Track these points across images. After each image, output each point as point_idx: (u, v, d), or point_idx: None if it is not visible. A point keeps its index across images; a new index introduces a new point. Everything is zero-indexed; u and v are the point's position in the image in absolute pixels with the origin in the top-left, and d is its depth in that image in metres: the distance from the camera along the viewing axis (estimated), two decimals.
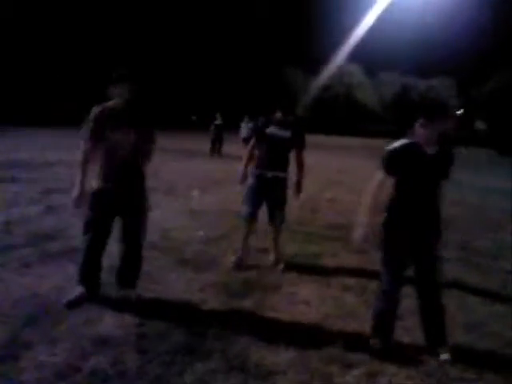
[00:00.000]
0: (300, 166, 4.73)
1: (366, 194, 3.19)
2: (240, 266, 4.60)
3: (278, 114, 4.52)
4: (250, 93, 33.83)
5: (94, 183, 3.50)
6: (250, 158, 4.66)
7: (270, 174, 4.51)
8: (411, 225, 3.13)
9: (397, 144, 3.14)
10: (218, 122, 16.93)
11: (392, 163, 3.12)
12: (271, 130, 4.48)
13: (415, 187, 3.11)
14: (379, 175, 3.14)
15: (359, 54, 43.92)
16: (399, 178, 3.14)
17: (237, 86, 38.64)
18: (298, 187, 4.74)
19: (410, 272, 3.22)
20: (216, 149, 16.68)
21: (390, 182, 3.15)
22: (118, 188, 3.48)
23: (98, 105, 3.49)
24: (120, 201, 3.53)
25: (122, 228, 3.63)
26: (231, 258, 4.70)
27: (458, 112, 47.21)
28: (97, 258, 3.60)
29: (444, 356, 3.11)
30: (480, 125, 48.86)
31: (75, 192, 3.47)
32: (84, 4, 30.53)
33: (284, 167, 4.58)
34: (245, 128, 16.62)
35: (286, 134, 4.48)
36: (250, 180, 4.61)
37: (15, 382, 2.53)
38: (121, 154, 3.44)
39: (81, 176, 3.47)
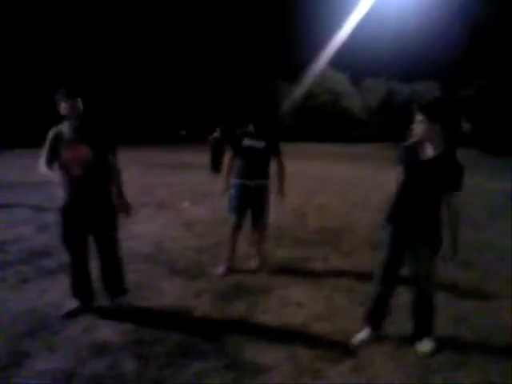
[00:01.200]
0: (279, 170, 4.88)
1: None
2: (227, 273, 4.75)
3: (252, 126, 4.70)
4: (229, 105, 33.81)
5: (59, 201, 3.59)
6: (230, 169, 4.81)
7: (250, 183, 4.66)
8: (408, 224, 3.24)
9: (403, 143, 3.30)
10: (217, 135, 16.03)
11: (398, 158, 3.28)
12: (246, 142, 4.66)
13: (410, 188, 3.21)
14: (397, 171, 3.29)
15: (343, 63, 44.42)
16: (401, 174, 3.26)
17: (220, 98, 38.74)
18: (281, 190, 4.90)
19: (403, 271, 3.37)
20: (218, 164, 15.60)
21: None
22: (80, 205, 3.55)
23: (54, 127, 3.58)
24: (85, 217, 3.59)
25: (95, 244, 3.71)
26: (218, 269, 4.81)
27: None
28: (83, 271, 3.71)
29: (429, 347, 3.25)
30: (465, 126, 49.41)
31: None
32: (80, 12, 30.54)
33: (263, 175, 4.73)
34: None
35: (261, 144, 4.64)
36: (232, 190, 4.76)
37: None
38: (76, 170, 3.45)
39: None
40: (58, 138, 3.52)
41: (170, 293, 4.17)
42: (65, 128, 3.55)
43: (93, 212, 3.60)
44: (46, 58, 29.31)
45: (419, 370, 3.02)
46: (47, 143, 3.54)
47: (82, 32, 30.17)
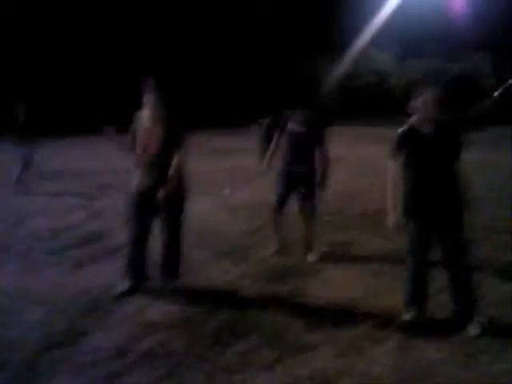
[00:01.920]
0: (320, 159, 4.80)
1: (388, 184, 3.37)
2: (277, 253, 4.88)
3: (297, 111, 4.72)
4: (267, 90, 33.31)
5: (134, 182, 3.78)
6: (274, 150, 4.93)
7: (293, 169, 4.70)
8: (426, 207, 3.25)
9: (400, 130, 3.31)
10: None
11: (397, 148, 3.30)
12: (289, 126, 4.70)
13: (421, 167, 3.22)
14: (391, 164, 3.32)
15: (386, 42, 43.07)
16: (405, 163, 3.28)
17: (261, 81, 38.18)
18: (322, 181, 4.84)
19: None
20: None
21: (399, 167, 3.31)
22: (153, 187, 3.73)
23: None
24: (156, 199, 3.75)
25: (162, 226, 3.91)
26: (269, 249, 4.93)
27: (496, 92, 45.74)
28: (141, 253, 3.90)
29: (473, 328, 3.23)
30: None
31: None
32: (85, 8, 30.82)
33: (307, 161, 4.73)
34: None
35: (303, 129, 4.66)
36: (276, 175, 4.83)
37: (75, 364, 2.84)
38: (148, 151, 3.71)
39: None
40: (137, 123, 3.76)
41: (215, 275, 4.33)
42: (144, 114, 3.79)
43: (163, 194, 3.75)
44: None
45: (463, 351, 3.01)
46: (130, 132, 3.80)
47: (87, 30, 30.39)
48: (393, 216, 3.33)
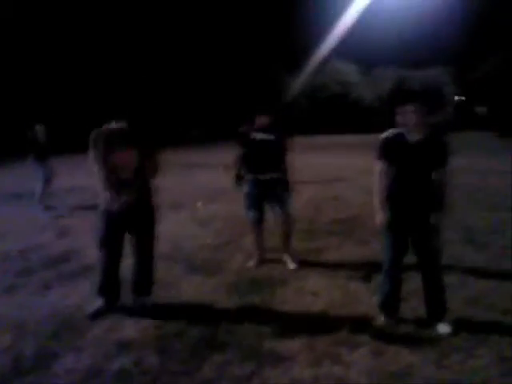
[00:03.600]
0: (288, 167, 4.86)
1: (373, 184, 3.44)
2: (259, 265, 4.86)
3: (261, 119, 4.70)
4: (238, 100, 33.54)
5: (102, 202, 3.72)
6: (240, 164, 4.88)
7: (262, 177, 4.70)
8: (405, 209, 3.33)
9: (385, 133, 3.38)
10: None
11: (383, 151, 3.36)
12: (255, 135, 4.70)
13: (403, 174, 3.31)
14: (377, 165, 3.39)
15: (351, 53, 43.99)
16: (390, 166, 3.35)
17: (227, 94, 38.34)
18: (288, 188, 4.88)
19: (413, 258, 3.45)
20: None
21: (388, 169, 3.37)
22: (124, 207, 3.67)
23: (96, 129, 3.71)
24: (128, 218, 3.72)
25: (133, 244, 3.86)
26: (249, 262, 4.93)
27: (458, 98, 47.28)
28: (114, 272, 3.83)
29: (445, 328, 3.30)
30: (479, 109, 48.90)
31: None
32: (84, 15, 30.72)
33: (276, 168, 4.73)
34: None
35: (270, 137, 4.67)
36: (245, 186, 4.83)
37: None
38: (123, 173, 3.65)
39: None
40: (102, 141, 3.64)
41: (188, 289, 4.28)
42: (109, 132, 3.69)
43: (136, 213, 3.74)
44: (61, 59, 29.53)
45: (437, 351, 3.06)
46: (91, 147, 3.66)
47: (86, 33, 30.33)
48: (380, 215, 3.38)
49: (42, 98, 27.67)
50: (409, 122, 3.24)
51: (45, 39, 28.35)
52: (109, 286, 3.84)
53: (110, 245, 3.76)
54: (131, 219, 3.75)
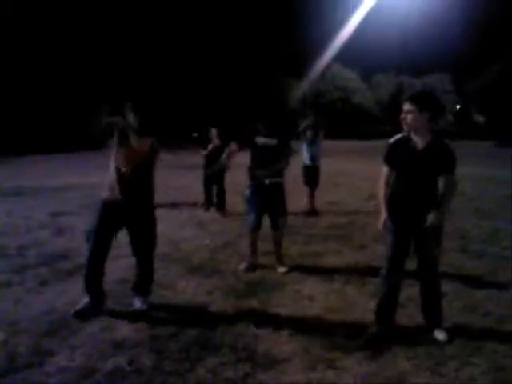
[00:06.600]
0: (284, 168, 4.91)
1: (378, 187, 3.46)
2: (250, 269, 4.84)
3: (264, 124, 4.76)
4: (242, 104, 33.62)
5: (103, 193, 3.71)
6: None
7: (266, 181, 4.73)
8: (408, 213, 3.31)
9: (392, 138, 3.39)
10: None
11: (388, 156, 3.38)
12: (259, 139, 4.73)
13: (407, 178, 3.30)
14: (384, 169, 3.41)
15: (352, 59, 44.14)
16: (394, 170, 3.37)
17: (229, 99, 38.45)
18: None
19: (412, 264, 3.46)
20: None
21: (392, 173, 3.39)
22: (123, 202, 3.66)
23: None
24: (125, 214, 3.71)
25: (131, 242, 3.84)
26: (241, 265, 4.92)
27: (456, 107, 47.46)
28: (99, 269, 3.77)
29: (441, 336, 3.29)
30: (478, 118, 49.07)
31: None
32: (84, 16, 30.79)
33: (278, 173, 4.78)
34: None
35: (273, 142, 4.71)
36: (248, 191, 4.84)
37: None
38: (126, 168, 3.65)
39: None
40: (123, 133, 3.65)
41: (185, 290, 4.26)
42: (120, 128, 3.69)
43: (135, 210, 3.74)
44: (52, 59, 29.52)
45: (433, 358, 3.06)
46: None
47: (85, 33, 30.40)
48: (383, 217, 3.38)
49: (42, 98, 27.67)
50: (410, 123, 3.22)
51: (45, 39, 28.35)
52: (93, 282, 3.77)
53: (99, 237, 3.69)
54: (130, 218, 3.73)
